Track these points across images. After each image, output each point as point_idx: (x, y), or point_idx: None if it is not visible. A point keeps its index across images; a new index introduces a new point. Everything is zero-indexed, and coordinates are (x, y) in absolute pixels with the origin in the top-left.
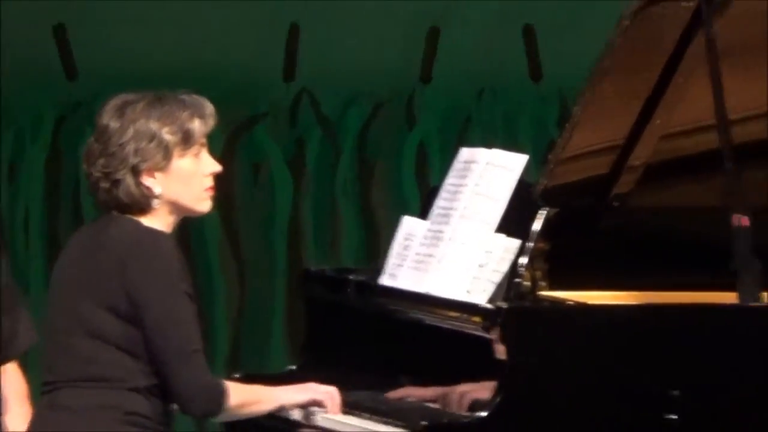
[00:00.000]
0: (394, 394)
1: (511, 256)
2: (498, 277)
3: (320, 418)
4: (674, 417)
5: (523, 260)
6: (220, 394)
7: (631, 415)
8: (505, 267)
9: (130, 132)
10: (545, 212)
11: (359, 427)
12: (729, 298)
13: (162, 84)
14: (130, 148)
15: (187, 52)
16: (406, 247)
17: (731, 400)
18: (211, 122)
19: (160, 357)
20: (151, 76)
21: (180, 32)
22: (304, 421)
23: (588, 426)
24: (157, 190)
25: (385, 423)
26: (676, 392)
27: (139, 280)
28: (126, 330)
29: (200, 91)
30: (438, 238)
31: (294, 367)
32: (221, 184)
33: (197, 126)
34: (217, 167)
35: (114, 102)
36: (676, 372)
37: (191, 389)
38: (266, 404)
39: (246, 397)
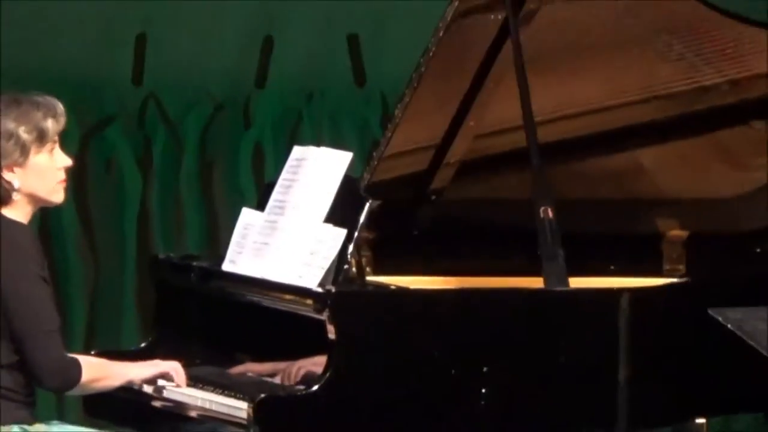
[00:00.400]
0: (236, 369)
1: (338, 245)
2: (327, 264)
3: (168, 391)
4: (484, 390)
5: (350, 248)
6: (75, 371)
7: (446, 386)
8: (333, 254)
9: None
10: (370, 205)
11: (203, 398)
12: (539, 282)
13: (17, 86)
14: None
15: (40, 56)
16: (244, 236)
17: (533, 373)
18: (63, 121)
19: (19, 336)
20: (6, 77)
21: (34, 36)
22: (154, 394)
23: (408, 397)
24: (16, 183)
25: (227, 395)
26: (486, 368)
27: None
28: None
29: (56, 94)
30: (273, 228)
31: (144, 345)
32: (77, 179)
33: (50, 125)
34: (69, 161)
35: None
36: (486, 349)
37: (47, 366)
38: (116, 379)
39: (98, 373)
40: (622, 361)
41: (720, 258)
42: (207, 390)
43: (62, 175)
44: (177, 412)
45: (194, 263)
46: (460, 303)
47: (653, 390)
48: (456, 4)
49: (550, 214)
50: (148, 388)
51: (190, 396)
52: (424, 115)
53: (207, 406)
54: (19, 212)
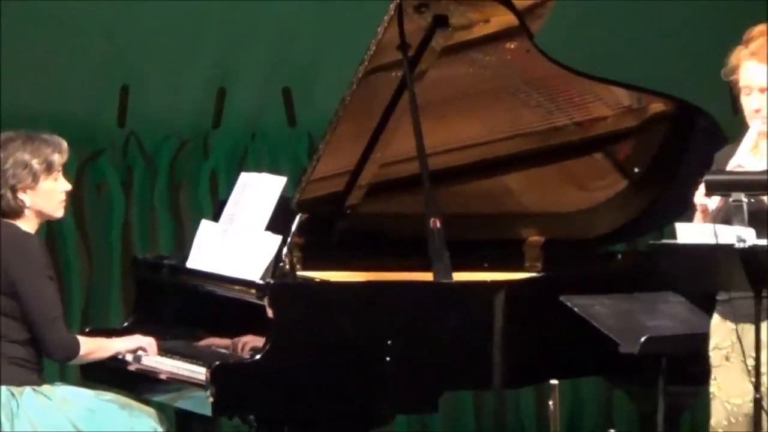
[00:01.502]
0: (198, 343)
1: (275, 247)
2: (267, 262)
3: (145, 359)
4: (389, 359)
5: (285, 250)
6: (76, 346)
7: (360, 357)
8: (271, 255)
9: (10, 162)
10: (299, 217)
11: (171, 365)
12: (430, 276)
13: (25, 126)
14: (9, 173)
15: (44, 102)
16: (203, 241)
17: (427, 345)
18: (66, 155)
19: (31, 321)
20: (14, 119)
21: (38, 86)
22: (134, 362)
23: (329, 363)
24: (27, 202)
25: (190, 363)
26: (389, 341)
27: (14, 268)
28: (7, 302)
29: (58, 133)
30: (226, 235)
31: (126, 324)
32: (75, 199)
33: (57, 158)
34: (69, 186)
35: None
36: (390, 327)
37: (54, 343)
38: (106, 351)
39: (92, 347)
40: (496, 336)
41: (569, 258)
42: (175, 359)
43: (63, 197)
44: (152, 375)
45: (165, 262)
46: (369, 291)
47: (520, 357)
48: (366, 64)
49: (438, 224)
50: (129, 357)
51: (161, 363)
52: (340, 148)
53: (174, 371)
54: (28, 224)
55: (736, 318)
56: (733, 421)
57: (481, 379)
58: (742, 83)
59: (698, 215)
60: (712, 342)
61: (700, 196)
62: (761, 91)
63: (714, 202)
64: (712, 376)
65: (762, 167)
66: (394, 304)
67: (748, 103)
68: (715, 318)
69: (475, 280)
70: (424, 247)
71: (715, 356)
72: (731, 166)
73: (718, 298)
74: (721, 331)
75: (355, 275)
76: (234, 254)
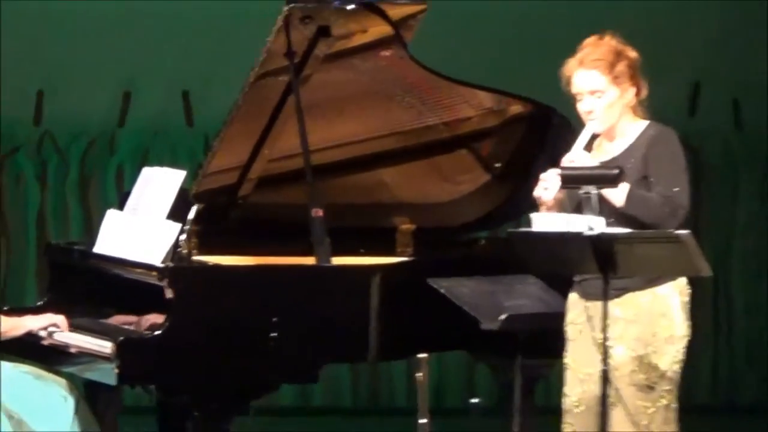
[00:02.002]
0: (106, 320)
1: (175, 234)
2: (167, 247)
3: (57, 335)
4: (275, 334)
5: (183, 237)
6: None
7: (249, 332)
8: (171, 241)
9: None
10: (196, 207)
11: (81, 340)
12: (312, 260)
13: None
14: None
15: None
16: (110, 228)
17: (309, 321)
18: None
19: None
20: None
21: None
22: (47, 337)
23: (223, 339)
24: None
25: (98, 338)
26: (275, 318)
27: None
28: None
29: None
30: (130, 223)
31: (40, 303)
32: None
33: None
34: None
35: None
36: (276, 306)
37: None
38: (22, 329)
39: (10, 326)
40: (371, 314)
41: (437, 244)
42: (84, 334)
43: None
44: (63, 349)
45: (76, 247)
46: (257, 274)
47: (392, 333)
48: (257, 70)
49: (320, 213)
50: (43, 333)
51: (71, 338)
52: (233, 145)
53: (83, 345)
54: None
55: (587, 296)
56: (585, 389)
57: (358, 352)
58: (574, 90)
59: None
60: (568, 317)
61: (539, 189)
62: (591, 93)
63: (550, 194)
64: (567, 348)
65: (592, 163)
66: (280, 285)
67: (581, 107)
68: (572, 296)
69: (352, 264)
70: (308, 234)
71: (570, 330)
72: (565, 161)
73: (575, 278)
74: (576, 308)
75: (246, 259)
76: (137, 240)
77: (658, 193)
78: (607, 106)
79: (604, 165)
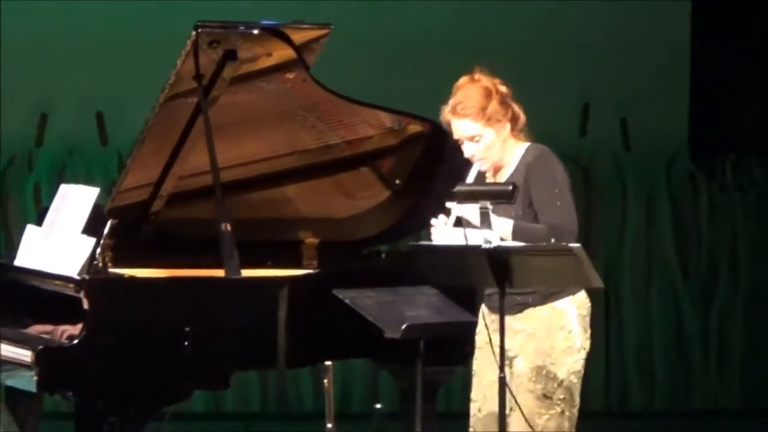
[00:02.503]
0: (26, 330)
1: (90, 248)
2: (83, 260)
3: None
4: (187, 343)
5: (98, 250)
6: None
7: (163, 341)
8: (87, 254)
9: None
10: (110, 222)
11: (3, 349)
12: (222, 272)
13: None
14: None
15: None
16: (29, 243)
17: (219, 332)
18: None
19: None
20: None
21: None
22: None
23: (138, 348)
24: None
25: (19, 347)
26: (188, 328)
27: None
28: None
29: None
30: (48, 237)
31: None
32: None
33: None
34: None
35: None
36: (188, 316)
37: None
38: None
39: None
40: (279, 323)
41: (340, 256)
42: (4, 343)
43: None
44: None
45: None
46: (170, 286)
47: (299, 342)
48: (167, 92)
49: (229, 228)
50: None
51: None
52: (145, 163)
53: (5, 354)
54: None
55: (491, 309)
56: (487, 395)
57: (267, 360)
58: (455, 136)
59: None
60: (478, 327)
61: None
62: (469, 140)
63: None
64: (475, 356)
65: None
66: (191, 297)
67: (464, 151)
68: (483, 308)
69: (260, 276)
70: (218, 248)
71: (478, 339)
72: (480, 204)
73: (486, 292)
74: (483, 320)
75: (160, 272)
76: (55, 254)
77: (543, 222)
78: (485, 148)
79: (501, 182)
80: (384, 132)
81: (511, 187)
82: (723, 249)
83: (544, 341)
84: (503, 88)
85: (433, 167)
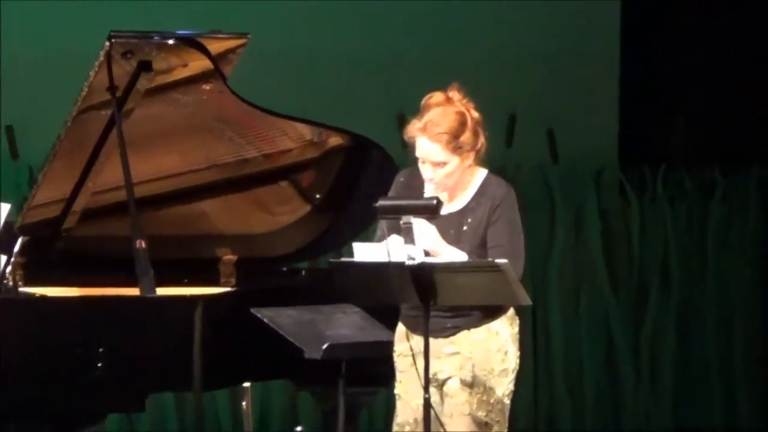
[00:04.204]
0: None
1: (0, 265)
2: None
3: None
4: (101, 364)
5: (8, 269)
6: None
7: (76, 362)
8: None
9: None
10: (21, 239)
11: None
12: (137, 291)
13: None
14: None
15: None
16: None
17: (134, 353)
18: None
19: None
20: None
21: None
22: None
23: (51, 369)
24: None
25: None
26: (101, 348)
27: None
28: None
29: None
30: None
31: None
32: None
33: None
34: None
35: None
36: (102, 336)
37: None
38: None
39: None
40: (195, 343)
41: (259, 274)
42: None
43: None
44: None
45: None
46: (83, 305)
47: (216, 363)
48: (79, 104)
49: (143, 245)
50: None
51: None
52: (57, 179)
53: None
54: None
55: (415, 331)
56: (417, 417)
57: (183, 381)
58: (417, 154)
59: None
60: (398, 349)
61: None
62: (433, 165)
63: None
64: (398, 379)
65: (428, 225)
66: (105, 316)
67: (423, 171)
68: (400, 328)
69: (176, 295)
70: (133, 265)
71: (400, 362)
72: (404, 219)
73: (402, 311)
74: (404, 341)
75: (73, 290)
76: None
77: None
78: (446, 175)
79: (425, 196)
80: (304, 145)
81: (435, 202)
82: (654, 262)
83: (482, 364)
84: (476, 115)
85: (354, 181)
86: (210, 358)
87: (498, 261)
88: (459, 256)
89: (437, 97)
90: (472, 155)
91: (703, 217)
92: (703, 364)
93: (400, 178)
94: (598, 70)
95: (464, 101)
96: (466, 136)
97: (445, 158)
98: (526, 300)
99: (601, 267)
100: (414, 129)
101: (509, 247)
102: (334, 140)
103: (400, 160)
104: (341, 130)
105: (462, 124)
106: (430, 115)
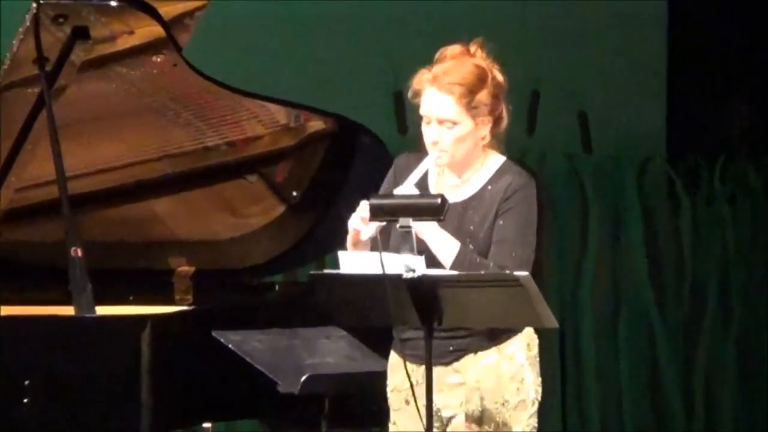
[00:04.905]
0: None
1: None
2: None
3: None
4: (27, 400)
5: None
6: None
7: None
8: None
9: None
10: None
11: None
12: (71, 310)
13: None
14: None
15: None
16: None
17: (68, 387)
18: None
19: None
20: None
21: None
22: None
23: None
24: None
25: None
26: (27, 381)
27: None
28: None
29: None
30: None
31: None
32: None
33: None
34: None
35: None
36: (28, 366)
37: None
38: None
39: None
40: (143, 376)
41: (223, 289)
42: None
43: None
44: None
45: None
46: (5, 327)
47: (169, 399)
48: (1, 79)
49: (80, 253)
50: None
51: None
52: None
53: None
54: None
55: (413, 359)
56: None
57: (128, 421)
58: (421, 111)
59: (349, 240)
60: (391, 383)
61: (355, 220)
62: (439, 122)
63: (369, 230)
64: (391, 420)
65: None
66: (31, 341)
67: (426, 134)
68: (393, 357)
69: (119, 315)
70: (66, 278)
71: (393, 398)
72: (401, 222)
73: (395, 334)
74: (399, 371)
75: None
76: None
77: (494, 260)
78: (455, 140)
79: (427, 194)
80: (278, 131)
81: (439, 201)
82: (710, 275)
83: (493, 395)
84: (499, 77)
85: (340, 174)
86: (161, 393)
87: (518, 273)
88: (449, 245)
89: (454, 48)
90: (488, 124)
91: None
92: None
93: (397, 165)
94: (641, 40)
95: (486, 58)
96: (484, 95)
97: (455, 115)
98: (552, 322)
99: (644, 280)
100: (422, 79)
101: (514, 244)
102: (315, 124)
103: (396, 149)
104: (323, 112)
105: (480, 79)
106: (444, 66)
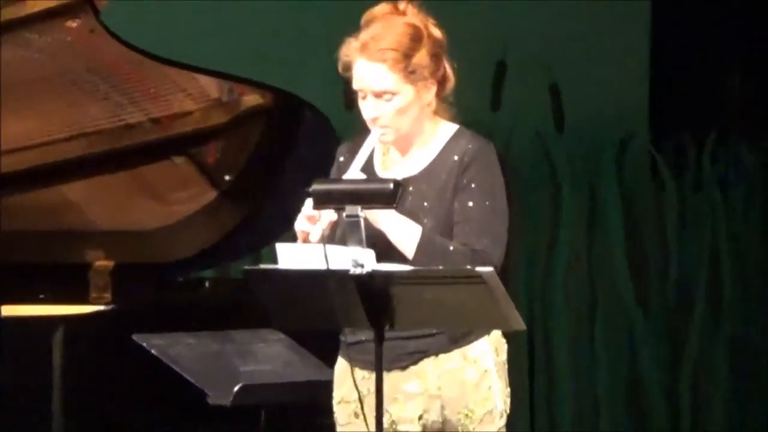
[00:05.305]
0: None
1: None
2: None
3: None
4: None
5: None
6: None
7: None
8: None
9: None
10: None
11: None
12: None
13: None
14: None
15: None
16: None
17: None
18: None
19: None
20: None
21: None
22: None
23: None
24: None
25: None
26: None
27: None
28: None
29: None
30: None
31: None
32: None
33: None
34: None
35: None
36: None
37: None
38: None
39: None
40: (54, 385)
41: (145, 287)
42: None
43: None
44: None
45: None
46: None
47: (84, 409)
48: None
49: None
50: None
51: None
52: None
53: None
54: None
55: (363, 364)
56: None
57: None
58: (354, 85)
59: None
60: (337, 394)
61: (301, 221)
62: (376, 96)
63: (319, 229)
64: None
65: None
66: None
67: (365, 109)
68: (340, 363)
69: (26, 315)
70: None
71: (340, 412)
72: (348, 210)
73: (342, 338)
74: (347, 380)
75: None
76: None
77: (462, 241)
78: (397, 112)
79: (377, 178)
80: (209, 106)
81: (392, 186)
82: (698, 268)
83: (455, 404)
84: (436, 32)
85: (280, 156)
86: (75, 404)
87: (480, 269)
88: (410, 230)
89: (382, 7)
90: (432, 87)
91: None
92: (765, 407)
93: (343, 150)
94: (622, 5)
95: (419, 15)
96: (421, 56)
97: (392, 85)
98: (519, 323)
99: (625, 274)
100: (350, 49)
101: (481, 222)
102: (252, 99)
103: (344, 126)
104: (261, 84)
105: (415, 40)
106: (372, 30)
